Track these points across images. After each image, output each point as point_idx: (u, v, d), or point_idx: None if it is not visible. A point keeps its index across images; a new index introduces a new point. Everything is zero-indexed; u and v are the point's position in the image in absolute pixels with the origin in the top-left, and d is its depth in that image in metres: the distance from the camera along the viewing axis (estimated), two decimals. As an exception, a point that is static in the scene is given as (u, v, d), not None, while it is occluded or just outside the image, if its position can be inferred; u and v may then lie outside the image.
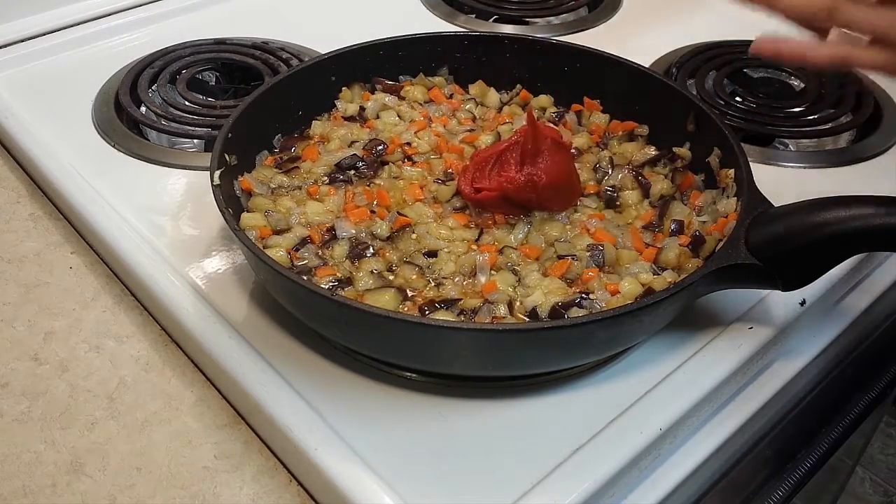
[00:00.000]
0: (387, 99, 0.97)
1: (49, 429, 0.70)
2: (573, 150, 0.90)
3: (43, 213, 0.93)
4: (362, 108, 0.95)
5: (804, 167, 1.01)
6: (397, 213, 0.81)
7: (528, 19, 1.34)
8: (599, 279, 0.75)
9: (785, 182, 0.97)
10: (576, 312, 0.71)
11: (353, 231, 0.79)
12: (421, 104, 0.97)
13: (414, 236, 0.79)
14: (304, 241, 0.77)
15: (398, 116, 0.95)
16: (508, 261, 0.77)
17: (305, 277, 0.73)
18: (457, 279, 0.76)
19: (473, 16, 1.33)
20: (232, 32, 1.21)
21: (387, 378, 0.72)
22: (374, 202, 0.84)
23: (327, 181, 0.86)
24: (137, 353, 0.77)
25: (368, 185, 0.86)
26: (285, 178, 0.86)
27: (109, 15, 1.23)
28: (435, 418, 0.69)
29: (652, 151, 0.91)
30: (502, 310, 0.72)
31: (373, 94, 0.97)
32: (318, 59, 0.94)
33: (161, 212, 0.89)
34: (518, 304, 0.73)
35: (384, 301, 0.72)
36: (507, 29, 1.31)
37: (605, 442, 0.66)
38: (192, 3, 1.28)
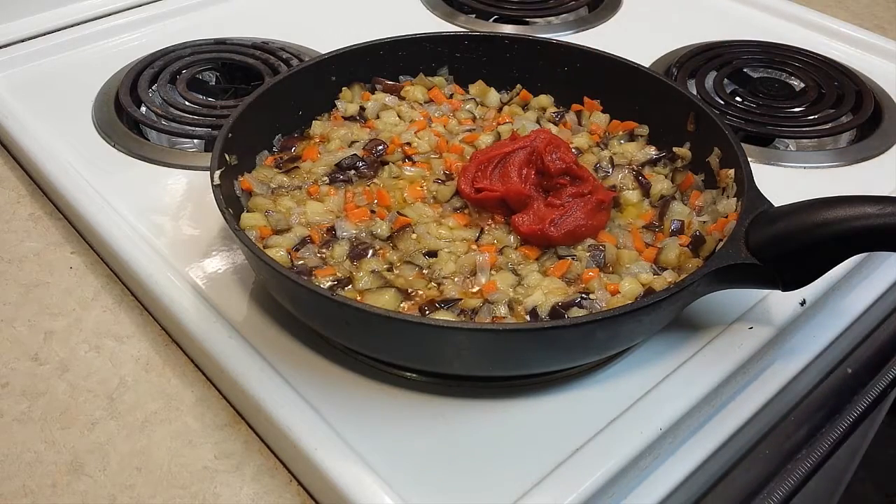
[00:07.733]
0: (387, 99, 0.97)
1: (49, 429, 0.70)
2: (574, 150, 0.90)
3: (43, 213, 0.93)
4: (362, 108, 0.95)
5: (804, 167, 1.01)
6: (397, 213, 0.81)
7: (528, 19, 1.34)
8: (599, 279, 0.75)
9: (785, 182, 0.97)
10: (576, 312, 0.71)
11: (354, 231, 0.79)
12: (421, 104, 0.97)
13: (414, 236, 0.79)
14: (304, 241, 0.77)
15: (398, 116, 0.95)
16: (508, 261, 0.77)
17: (305, 277, 0.73)
18: (457, 279, 0.76)
19: (473, 16, 1.33)
20: (232, 32, 1.21)
21: (387, 378, 0.72)
22: (374, 202, 0.84)
23: (327, 181, 0.86)
24: (137, 353, 0.77)
25: (368, 185, 0.86)
26: (285, 178, 0.86)
27: (109, 15, 1.23)
28: (435, 418, 0.69)
29: (652, 151, 0.91)
30: (502, 310, 0.72)
31: (373, 94, 0.97)
32: (318, 59, 0.94)
33: (161, 212, 0.89)
34: (518, 304, 0.73)
35: (384, 301, 0.72)
36: (507, 29, 1.31)
37: (605, 442, 0.66)
38: (192, 3, 1.28)
